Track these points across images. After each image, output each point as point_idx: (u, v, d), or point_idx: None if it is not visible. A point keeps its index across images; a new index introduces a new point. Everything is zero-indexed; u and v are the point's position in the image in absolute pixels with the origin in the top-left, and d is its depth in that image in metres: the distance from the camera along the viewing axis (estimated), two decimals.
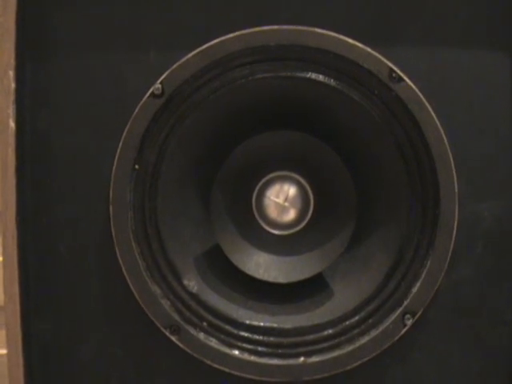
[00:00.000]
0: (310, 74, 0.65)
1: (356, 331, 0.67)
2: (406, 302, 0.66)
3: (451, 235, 0.66)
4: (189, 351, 0.67)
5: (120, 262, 0.66)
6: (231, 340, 0.67)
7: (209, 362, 0.67)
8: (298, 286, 0.70)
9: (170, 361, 0.69)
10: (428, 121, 0.65)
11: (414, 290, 0.66)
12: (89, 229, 0.68)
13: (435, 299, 0.67)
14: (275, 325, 0.68)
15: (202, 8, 0.66)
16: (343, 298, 0.68)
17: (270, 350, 0.67)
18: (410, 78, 0.65)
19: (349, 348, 0.66)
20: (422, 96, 0.65)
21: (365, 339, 0.66)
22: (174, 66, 0.65)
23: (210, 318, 0.67)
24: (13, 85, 0.65)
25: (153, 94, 0.65)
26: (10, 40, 0.65)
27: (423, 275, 0.66)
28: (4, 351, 0.68)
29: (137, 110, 0.65)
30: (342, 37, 0.64)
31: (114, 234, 0.66)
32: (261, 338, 0.67)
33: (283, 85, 0.66)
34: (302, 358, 0.67)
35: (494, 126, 0.67)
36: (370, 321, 0.67)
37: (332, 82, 0.65)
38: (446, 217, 0.65)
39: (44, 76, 0.66)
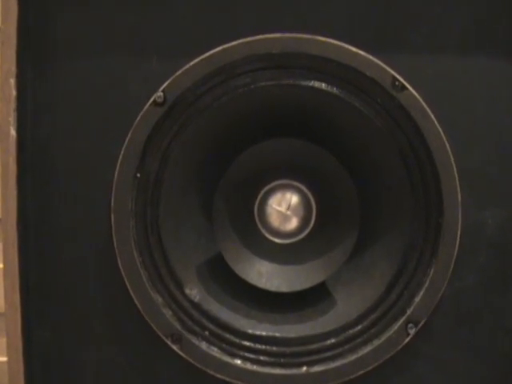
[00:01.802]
0: (312, 82, 0.65)
1: (359, 340, 0.67)
2: (409, 311, 0.66)
3: (454, 243, 0.65)
4: (191, 360, 0.67)
5: (121, 270, 0.66)
6: (233, 349, 0.67)
7: (211, 372, 0.67)
8: (301, 295, 0.70)
9: (171, 370, 0.68)
10: (431, 129, 0.64)
11: (417, 298, 0.66)
12: (90, 237, 0.67)
13: (438, 308, 0.67)
14: (278, 334, 0.67)
15: (204, 15, 0.65)
16: (346, 307, 0.68)
17: (272, 360, 0.67)
18: (412, 86, 0.64)
19: (352, 357, 0.66)
20: (424, 104, 0.64)
21: (368, 348, 0.66)
22: (177, 73, 0.64)
23: (212, 327, 0.67)
24: (14, 92, 0.65)
25: (155, 102, 0.64)
26: (10, 47, 0.64)
27: (426, 284, 0.66)
28: (4, 359, 0.68)
29: (138, 119, 0.65)
30: (344, 45, 0.64)
31: (115, 243, 0.66)
32: (263, 347, 0.67)
33: (286, 93, 0.66)
34: (304, 368, 0.67)
35: (497, 133, 0.66)
36: (373, 330, 0.67)
37: (335, 90, 0.65)
38: (449, 225, 0.65)
39: (45, 84, 0.66)
